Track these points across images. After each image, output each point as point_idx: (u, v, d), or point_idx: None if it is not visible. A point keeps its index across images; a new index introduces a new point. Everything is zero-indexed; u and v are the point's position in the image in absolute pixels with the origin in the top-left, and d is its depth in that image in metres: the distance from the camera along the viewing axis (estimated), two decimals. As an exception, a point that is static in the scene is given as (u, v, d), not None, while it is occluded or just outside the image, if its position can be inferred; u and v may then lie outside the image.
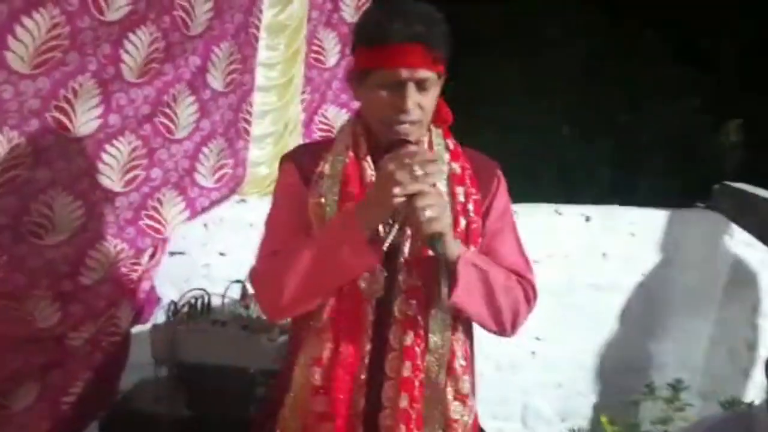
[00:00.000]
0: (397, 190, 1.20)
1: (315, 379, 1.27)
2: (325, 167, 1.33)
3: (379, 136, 1.32)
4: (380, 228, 1.28)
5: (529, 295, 1.38)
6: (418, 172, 1.22)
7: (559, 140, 6.38)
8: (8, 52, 1.64)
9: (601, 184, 5.71)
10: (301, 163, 1.37)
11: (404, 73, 1.25)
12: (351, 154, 1.33)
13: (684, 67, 6.38)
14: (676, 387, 2.40)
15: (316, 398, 1.27)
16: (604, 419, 2.32)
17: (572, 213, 2.72)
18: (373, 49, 1.26)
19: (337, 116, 2.69)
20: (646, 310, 2.71)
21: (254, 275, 1.38)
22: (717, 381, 2.67)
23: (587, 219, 2.71)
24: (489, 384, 2.60)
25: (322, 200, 1.31)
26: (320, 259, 1.25)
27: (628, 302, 2.70)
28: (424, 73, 1.27)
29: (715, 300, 2.74)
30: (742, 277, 2.77)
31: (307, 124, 2.64)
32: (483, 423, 2.59)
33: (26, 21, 1.64)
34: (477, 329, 1.40)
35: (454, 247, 1.26)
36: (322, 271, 1.26)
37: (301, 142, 2.62)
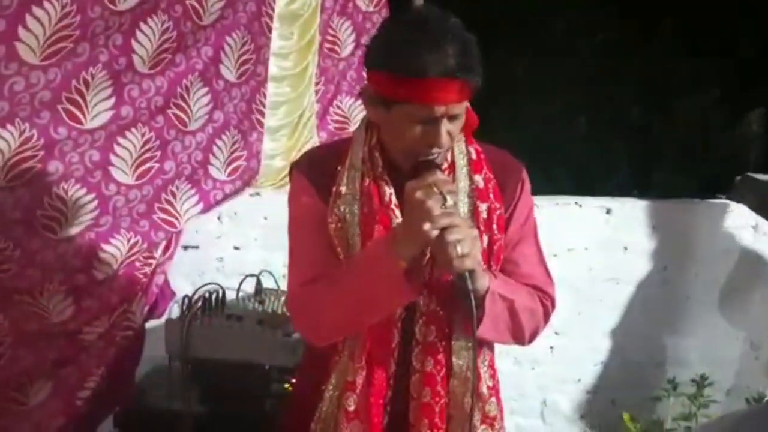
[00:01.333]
0: (427, 226, 1.15)
1: (348, 404, 1.27)
2: (341, 186, 1.28)
3: (398, 160, 1.26)
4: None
5: (549, 310, 1.36)
6: (449, 202, 1.17)
7: (577, 133, 6.32)
8: (19, 44, 1.62)
9: (620, 177, 5.64)
10: (313, 176, 1.31)
11: (440, 110, 1.18)
12: (368, 170, 1.28)
13: (703, 58, 6.28)
14: (700, 383, 2.34)
15: (350, 424, 1.27)
16: (626, 416, 2.28)
17: (592, 206, 2.67)
18: (405, 80, 1.17)
19: (352, 107, 2.65)
20: (667, 304, 2.65)
21: (292, 304, 1.35)
22: (740, 376, 2.61)
23: (607, 211, 2.66)
24: (507, 379, 2.54)
25: (342, 223, 1.27)
26: (358, 293, 1.23)
27: (648, 296, 2.65)
28: (459, 108, 1.20)
29: (737, 293, 2.67)
30: (765, 269, 2.70)
31: (322, 115, 2.60)
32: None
33: (37, 11, 1.62)
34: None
35: (483, 281, 1.22)
36: (361, 304, 1.24)
37: (315, 133, 2.58)
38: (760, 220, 2.70)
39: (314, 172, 1.31)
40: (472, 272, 1.18)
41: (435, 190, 1.17)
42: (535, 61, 6.29)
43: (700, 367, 2.53)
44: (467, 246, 1.16)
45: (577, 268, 2.61)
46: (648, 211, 2.67)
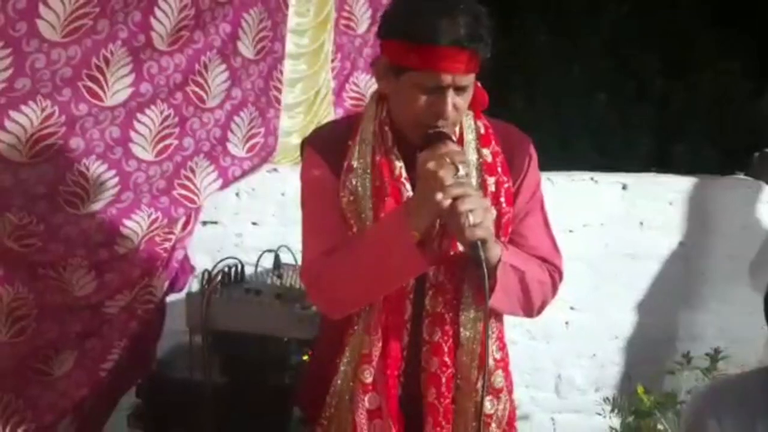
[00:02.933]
0: (440, 196, 1.16)
1: (365, 377, 1.29)
2: (353, 160, 1.30)
3: (406, 131, 1.28)
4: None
5: (557, 282, 1.38)
6: (461, 172, 1.19)
7: (595, 107, 6.24)
8: (40, 20, 1.64)
9: (639, 152, 5.58)
10: (325, 152, 1.33)
11: (447, 79, 1.20)
12: (379, 144, 1.29)
13: (723, 30, 6.15)
14: (714, 356, 2.36)
15: (366, 395, 1.29)
16: (640, 389, 2.30)
17: (609, 181, 2.66)
18: (417, 47, 1.19)
19: (368, 84, 2.64)
20: (683, 279, 2.66)
21: (306, 275, 1.36)
22: (755, 351, 2.61)
23: (624, 187, 2.65)
24: (522, 353, 2.58)
25: (355, 196, 1.29)
26: (371, 264, 1.24)
27: (664, 271, 2.65)
28: (466, 79, 1.22)
29: (752, 268, 2.67)
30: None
31: (338, 92, 2.60)
32: (516, 392, 2.60)
33: (56, -12, 1.63)
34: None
35: (495, 251, 1.23)
36: (375, 276, 1.25)
37: (332, 110, 2.59)
38: (779, 195, 2.68)
39: (325, 147, 1.33)
40: (484, 241, 1.19)
41: (447, 160, 1.18)
42: (556, 33, 6.20)
43: (715, 342, 2.54)
44: (479, 215, 1.18)
45: (593, 243, 2.62)
46: (664, 186, 2.66)
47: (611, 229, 2.62)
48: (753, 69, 6.00)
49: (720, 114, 6.07)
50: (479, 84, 1.29)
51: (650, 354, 2.65)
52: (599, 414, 2.49)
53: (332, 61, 2.54)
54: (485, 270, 1.19)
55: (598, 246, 2.62)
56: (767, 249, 2.68)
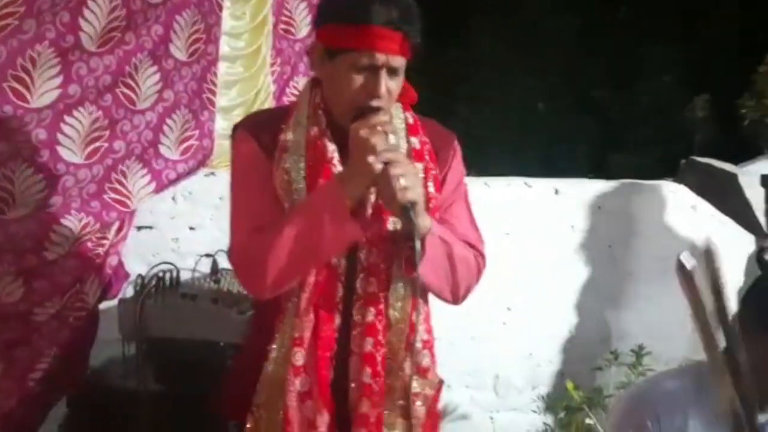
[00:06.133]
0: (371, 159, 1.20)
1: (296, 359, 1.28)
2: (287, 139, 1.31)
3: (339, 115, 1.30)
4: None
5: (481, 267, 1.41)
6: (392, 140, 1.23)
7: (537, 117, 6.45)
8: (-39, 20, 1.59)
9: (578, 160, 5.80)
10: (257, 133, 1.34)
11: (381, 58, 1.24)
12: (312, 126, 1.31)
13: (659, 45, 6.46)
14: (639, 353, 2.47)
15: (297, 378, 1.28)
16: (570, 385, 2.39)
17: (542, 186, 2.76)
18: (350, 28, 1.24)
19: (308, 88, 2.65)
20: (612, 280, 2.76)
21: (235, 254, 1.35)
22: (679, 348, 2.74)
23: (556, 192, 2.75)
24: (462, 354, 2.64)
25: (288, 177, 1.29)
26: (303, 234, 1.24)
27: (594, 273, 2.75)
28: (399, 61, 1.26)
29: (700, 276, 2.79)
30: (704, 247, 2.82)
31: (279, 96, 2.61)
32: (456, 392, 2.65)
33: (-22, -13, 1.59)
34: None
35: (425, 219, 1.26)
36: (307, 247, 1.25)
37: (271, 114, 2.59)
38: (699, 200, 2.83)
39: (258, 130, 1.34)
40: (414, 204, 1.22)
41: (378, 128, 1.22)
42: (501, 45, 6.39)
43: (642, 339, 2.65)
44: (410, 180, 1.22)
45: (527, 246, 2.70)
46: (594, 191, 2.77)
47: (545, 232, 2.71)
48: (687, 81, 6.33)
49: (656, 124, 6.37)
50: (407, 82, 1.33)
51: (583, 352, 2.74)
52: (534, 411, 2.56)
53: (272, 65, 2.55)
54: (416, 235, 1.21)
55: (532, 249, 2.70)
56: (693, 251, 2.82)
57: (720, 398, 1.24)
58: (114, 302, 2.10)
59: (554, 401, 2.45)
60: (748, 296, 1.32)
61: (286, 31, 2.58)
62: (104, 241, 2.04)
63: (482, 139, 5.55)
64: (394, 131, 1.27)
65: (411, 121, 1.37)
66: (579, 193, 2.76)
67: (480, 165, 2.84)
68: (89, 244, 2.00)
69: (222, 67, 2.28)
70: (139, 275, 2.00)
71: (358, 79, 1.25)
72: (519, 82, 6.36)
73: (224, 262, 2.16)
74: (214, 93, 2.24)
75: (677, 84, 6.51)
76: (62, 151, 1.86)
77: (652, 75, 6.59)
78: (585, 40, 6.44)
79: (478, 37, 6.44)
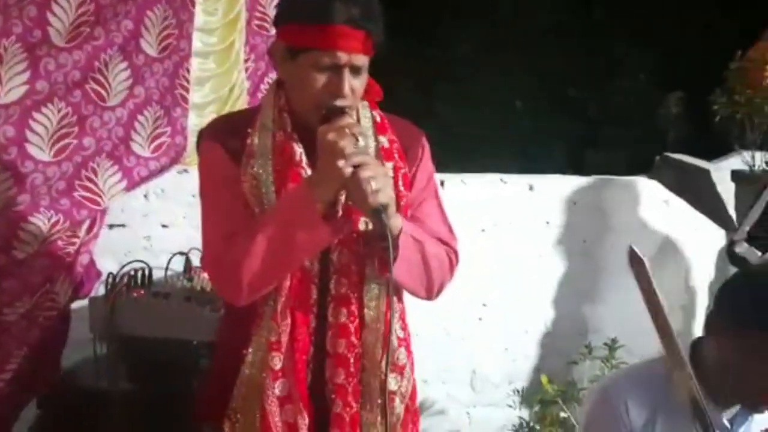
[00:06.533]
0: (341, 163, 1.19)
1: (274, 363, 1.28)
2: (254, 144, 1.30)
3: (305, 115, 1.30)
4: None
5: (453, 263, 1.41)
6: (360, 143, 1.23)
7: (514, 115, 6.51)
8: None
9: (554, 158, 5.86)
10: (223, 139, 1.33)
11: (343, 57, 1.23)
12: (278, 129, 1.31)
13: (633, 45, 6.55)
14: (612, 346, 2.50)
15: (276, 382, 1.28)
16: (544, 379, 2.41)
17: (517, 182, 2.78)
18: (312, 27, 1.23)
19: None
20: (586, 275, 2.80)
21: (209, 263, 1.35)
22: (652, 342, 2.77)
23: (531, 188, 2.77)
24: (438, 350, 2.65)
25: (256, 182, 1.29)
26: (276, 241, 1.24)
27: (568, 268, 2.78)
28: (362, 59, 1.26)
29: (651, 265, 2.83)
30: (678, 242, 2.88)
31: (253, 92, 2.59)
32: (432, 388, 2.66)
33: (-59, -20, 1.56)
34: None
35: (397, 220, 1.26)
36: (280, 253, 1.25)
37: (245, 109, 2.57)
38: (672, 195, 2.87)
39: (224, 136, 1.33)
40: (386, 207, 1.22)
41: (346, 131, 1.22)
42: (478, 44, 6.44)
43: (615, 333, 2.68)
44: (380, 182, 1.22)
45: (503, 242, 2.72)
46: (568, 187, 2.80)
47: (520, 228, 2.73)
48: (661, 80, 6.43)
49: (630, 121, 6.46)
50: (372, 78, 1.33)
51: (558, 346, 2.77)
52: (510, 406, 2.58)
53: (246, 61, 2.53)
54: (389, 236, 1.21)
55: (508, 244, 2.72)
56: (666, 246, 2.86)
57: (675, 385, 1.27)
58: (86, 301, 2.07)
59: (530, 395, 2.47)
60: (720, 295, 1.34)
61: (260, 26, 2.56)
62: (75, 240, 2.02)
63: (460, 138, 5.59)
64: (362, 132, 1.27)
65: (378, 119, 1.37)
66: (554, 189, 2.79)
67: (458, 163, 2.85)
68: (59, 243, 1.97)
69: (194, 63, 2.26)
70: (110, 273, 1.97)
71: (321, 79, 1.25)
72: (496, 81, 6.40)
73: (197, 260, 2.14)
74: (186, 89, 2.22)
75: (651, 82, 6.60)
76: (30, 148, 1.83)
77: (627, 74, 6.69)
78: (560, 40, 6.51)
79: (455, 36, 6.47)
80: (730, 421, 1.34)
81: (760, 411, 1.28)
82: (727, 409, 1.34)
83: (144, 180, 2.14)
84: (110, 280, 1.97)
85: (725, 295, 1.33)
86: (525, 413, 2.53)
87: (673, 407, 1.33)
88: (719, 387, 1.32)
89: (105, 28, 1.91)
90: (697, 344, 1.37)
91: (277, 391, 1.28)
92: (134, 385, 1.95)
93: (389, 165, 1.33)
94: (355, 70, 1.26)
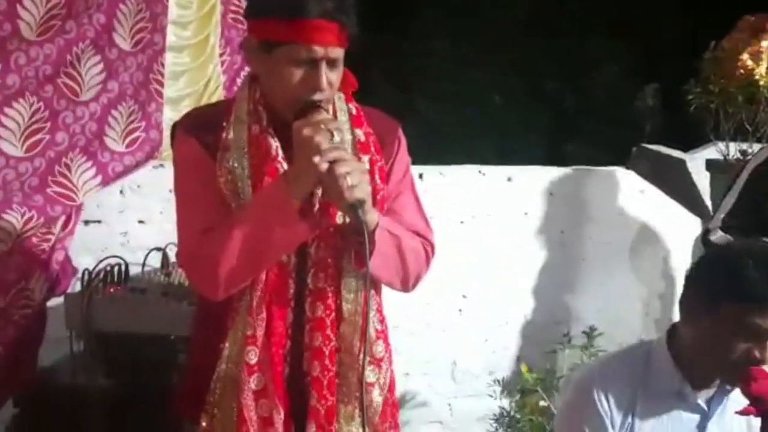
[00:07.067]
0: (317, 159, 1.19)
1: (250, 358, 1.28)
2: (229, 138, 1.29)
3: (281, 109, 1.29)
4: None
5: (429, 255, 1.42)
6: (336, 138, 1.22)
7: (493, 109, 6.54)
8: None
9: (533, 151, 5.89)
10: (198, 132, 1.31)
11: (319, 51, 1.23)
12: (253, 123, 1.30)
13: (610, 37, 6.61)
14: (590, 334, 2.52)
15: (252, 377, 1.28)
16: (524, 368, 2.43)
17: (495, 174, 2.79)
18: (287, 22, 1.22)
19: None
20: (565, 265, 2.82)
21: (185, 258, 1.34)
22: (631, 330, 2.81)
23: (509, 179, 2.78)
24: (419, 342, 2.66)
25: (232, 176, 1.28)
26: (253, 236, 1.24)
27: (547, 258, 2.80)
28: (337, 52, 1.26)
29: (628, 254, 2.88)
30: (654, 231, 2.92)
31: (229, 86, 2.58)
32: (414, 380, 2.67)
33: None
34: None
35: (373, 215, 1.26)
36: (257, 249, 1.24)
37: (221, 104, 2.56)
38: (648, 185, 2.90)
39: (199, 129, 1.32)
40: (362, 203, 1.22)
41: (322, 126, 1.21)
42: (456, 38, 6.45)
43: (594, 322, 2.71)
44: (357, 177, 1.21)
45: (481, 233, 2.73)
46: (546, 178, 2.82)
47: (498, 220, 2.75)
48: (637, 72, 6.49)
49: (608, 114, 6.52)
50: (347, 69, 1.33)
51: (538, 336, 2.79)
52: (491, 396, 2.60)
53: (221, 55, 2.52)
54: (365, 232, 1.21)
55: (487, 236, 2.73)
56: (643, 235, 2.90)
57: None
58: (62, 299, 2.05)
59: (510, 385, 2.49)
60: (691, 276, 1.36)
61: (236, 20, 2.55)
62: (50, 236, 2.00)
63: (438, 134, 5.61)
64: (338, 127, 1.26)
65: (354, 112, 1.36)
66: (532, 181, 2.80)
67: (437, 158, 2.86)
68: (34, 240, 1.95)
69: (169, 57, 2.24)
70: (86, 270, 1.96)
71: (298, 73, 1.24)
72: (473, 76, 6.42)
73: (175, 256, 2.13)
74: (161, 84, 2.21)
75: (627, 74, 6.66)
76: (1, 144, 1.81)
77: (603, 66, 6.74)
78: (537, 34, 6.54)
79: (432, 31, 6.48)
80: (707, 403, 1.36)
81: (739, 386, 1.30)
82: (704, 391, 1.36)
83: (119, 175, 2.13)
84: (86, 276, 1.95)
85: (696, 276, 1.35)
86: (506, 403, 2.54)
87: (651, 392, 1.35)
88: (696, 369, 1.34)
89: (77, 22, 1.89)
90: (672, 330, 1.39)
91: (252, 386, 1.28)
92: (112, 381, 1.93)
93: (366, 158, 1.33)
94: (332, 63, 1.25)
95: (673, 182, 3.16)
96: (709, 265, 1.35)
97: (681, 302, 1.36)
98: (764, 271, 1.25)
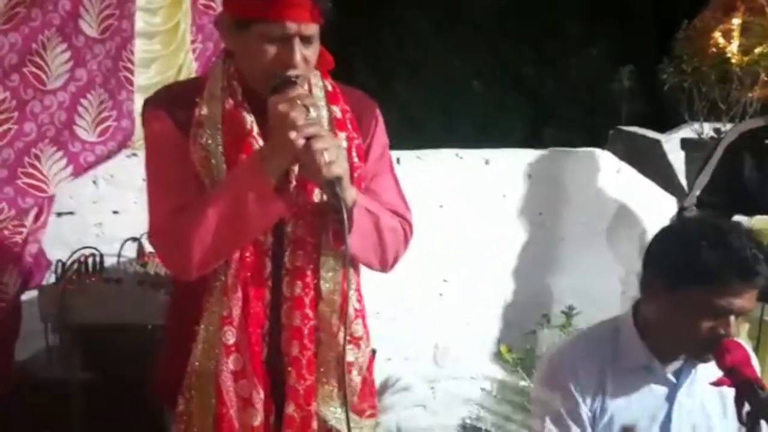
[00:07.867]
0: (293, 135, 1.18)
1: (227, 338, 1.26)
2: (202, 114, 1.27)
3: (256, 86, 1.27)
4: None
5: (408, 235, 1.41)
6: (312, 114, 1.21)
7: (469, 94, 6.55)
8: None
9: (511, 135, 5.91)
10: (170, 108, 1.29)
11: (292, 27, 1.22)
12: (228, 98, 1.28)
13: (587, 21, 6.64)
14: (569, 313, 2.55)
15: (230, 357, 1.27)
16: (503, 348, 2.45)
17: (473, 157, 2.79)
18: None
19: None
20: (544, 246, 2.84)
21: (156, 235, 1.31)
22: (609, 308, 2.84)
23: (486, 162, 2.79)
24: (401, 327, 2.67)
25: (206, 153, 1.26)
26: (228, 214, 1.22)
27: (526, 240, 2.81)
28: (312, 28, 1.24)
29: (606, 233, 2.90)
30: (631, 211, 2.94)
31: (202, 73, 2.54)
32: (396, 365, 2.68)
33: None
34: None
35: (351, 192, 1.25)
36: (232, 227, 1.23)
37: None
38: (624, 165, 2.93)
39: (170, 105, 1.30)
40: (340, 179, 1.20)
41: (298, 102, 1.20)
42: (436, 25, 6.45)
43: (573, 302, 2.74)
44: (334, 154, 1.20)
45: (460, 217, 2.74)
46: (523, 160, 2.83)
47: (477, 202, 2.75)
48: (612, 54, 6.53)
49: (585, 97, 6.57)
50: (324, 48, 1.32)
51: (518, 318, 2.81)
52: (474, 378, 2.62)
53: (193, 41, 2.48)
54: (344, 209, 1.20)
55: (466, 219, 2.74)
56: (620, 215, 2.93)
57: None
58: (36, 292, 2.02)
59: (491, 367, 2.51)
60: (648, 258, 1.36)
61: (207, 6, 2.52)
62: (22, 229, 1.97)
63: (417, 120, 5.60)
64: (313, 103, 1.25)
65: (330, 88, 1.35)
66: (509, 163, 2.82)
67: (415, 143, 2.85)
68: (5, 233, 1.93)
69: (139, 45, 2.21)
70: (59, 261, 1.93)
71: (272, 50, 1.23)
72: (451, 61, 6.43)
73: (150, 245, 2.11)
74: (131, 71, 2.17)
75: (603, 57, 6.69)
76: (-33, 135, 1.78)
77: (579, 50, 6.77)
78: (513, 19, 6.55)
79: (410, 17, 6.47)
80: (676, 375, 1.38)
81: (707, 361, 1.31)
82: (672, 364, 1.37)
83: (91, 165, 2.10)
84: (60, 268, 1.93)
85: (654, 258, 1.36)
86: (487, 384, 2.56)
87: (620, 368, 1.37)
88: (662, 344, 1.36)
89: (42, 9, 1.85)
90: (636, 306, 1.41)
91: (231, 366, 1.27)
92: (89, 373, 1.92)
93: (342, 135, 1.31)
94: (306, 40, 1.24)
95: (649, 162, 3.19)
96: (664, 248, 1.35)
97: (641, 282, 1.37)
98: (719, 251, 1.26)
